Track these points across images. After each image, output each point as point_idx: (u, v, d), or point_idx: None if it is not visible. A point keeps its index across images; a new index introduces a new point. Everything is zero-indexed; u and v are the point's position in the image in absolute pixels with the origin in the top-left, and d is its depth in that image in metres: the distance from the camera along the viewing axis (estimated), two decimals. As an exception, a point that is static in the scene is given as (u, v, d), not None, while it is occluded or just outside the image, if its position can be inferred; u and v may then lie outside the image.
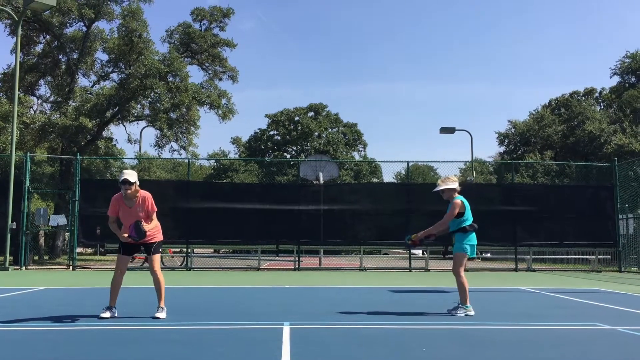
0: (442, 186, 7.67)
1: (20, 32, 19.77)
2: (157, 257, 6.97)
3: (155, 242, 6.96)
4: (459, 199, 7.56)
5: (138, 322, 6.56)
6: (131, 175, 6.82)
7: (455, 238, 7.51)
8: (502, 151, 48.51)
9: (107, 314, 6.78)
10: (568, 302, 9.59)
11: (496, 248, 22.23)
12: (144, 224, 6.72)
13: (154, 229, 6.93)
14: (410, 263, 19.23)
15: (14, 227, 17.53)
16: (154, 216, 6.98)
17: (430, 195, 19.62)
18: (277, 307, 8.39)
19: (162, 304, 6.98)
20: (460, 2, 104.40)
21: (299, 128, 57.55)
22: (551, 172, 36.65)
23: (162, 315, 6.85)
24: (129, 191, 6.78)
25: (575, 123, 42.59)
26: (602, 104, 47.36)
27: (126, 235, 6.76)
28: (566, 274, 18.12)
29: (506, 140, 47.72)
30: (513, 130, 47.05)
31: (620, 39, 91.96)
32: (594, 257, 20.43)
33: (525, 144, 45.60)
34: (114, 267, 7.14)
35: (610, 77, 48.08)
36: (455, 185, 7.63)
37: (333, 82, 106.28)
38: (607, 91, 47.04)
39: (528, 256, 19.91)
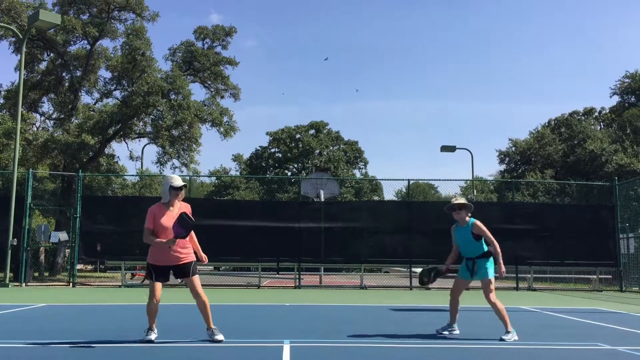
0: (459, 200, 7.37)
1: (24, 50, 19.95)
2: (197, 278, 6.46)
3: (192, 262, 6.46)
4: (476, 220, 7.26)
5: (135, 341, 6.54)
6: (181, 180, 6.52)
7: (478, 264, 7.16)
8: (502, 169, 48.61)
9: (152, 336, 6.38)
10: (569, 321, 9.56)
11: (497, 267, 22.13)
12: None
13: (188, 249, 6.48)
14: (410, 281, 19.16)
15: (15, 243, 17.52)
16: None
17: (431, 213, 19.81)
18: (278, 325, 8.37)
19: (212, 324, 6.57)
20: (460, 21, 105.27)
21: (300, 146, 57.68)
22: (552, 191, 36.65)
23: (220, 336, 6.45)
24: (180, 197, 6.50)
25: (576, 142, 42.71)
26: (602, 124, 47.51)
27: (170, 239, 6.19)
28: (567, 293, 18.05)
29: (507, 159, 47.83)
30: (514, 148, 47.18)
31: (620, 59, 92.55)
32: (594, 276, 20.36)
33: (525, 162, 45.69)
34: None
35: (610, 97, 48.31)
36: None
37: (334, 100, 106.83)
38: (607, 111, 47.23)
39: (529, 275, 19.84)
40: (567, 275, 24.43)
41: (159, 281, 6.32)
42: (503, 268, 7.17)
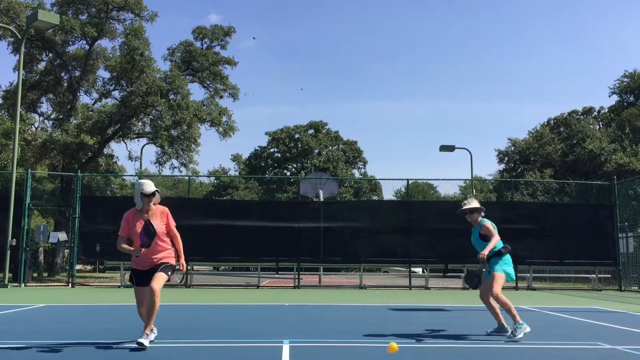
0: (470, 204, 7.38)
1: (23, 50, 19.92)
2: (163, 276, 6.11)
3: (167, 264, 6.21)
4: (486, 220, 7.32)
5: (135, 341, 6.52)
6: (153, 186, 6.24)
7: (491, 262, 7.13)
8: (502, 169, 48.63)
9: (145, 340, 5.99)
10: (568, 321, 9.56)
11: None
12: (157, 234, 6.10)
13: (167, 252, 6.25)
14: (410, 281, 19.17)
15: (14, 243, 17.50)
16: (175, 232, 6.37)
17: (431, 213, 19.81)
18: (277, 325, 8.36)
19: (150, 329, 6.13)
20: (459, 22, 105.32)
21: (299, 145, 57.67)
22: (551, 191, 36.67)
23: (147, 342, 5.96)
24: (152, 205, 6.24)
25: (575, 141, 42.74)
26: (600, 123, 47.56)
27: (136, 247, 6.10)
28: (566, 293, 18.06)
29: (506, 158, 47.86)
30: (513, 148, 47.21)
31: (619, 58, 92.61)
32: (594, 275, 20.38)
33: (525, 162, 45.71)
34: (132, 298, 6.34)
35: (609, 96, 48.34)
36: (479, 205, 7.42)
37: (333, 100, 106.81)
38: (606, 110, 47.26)
39: (528, 274, 19.85)
40: (566, 275, 24.46)
41: (140, 285, 6.19)
42: (484, 253, 7.11)
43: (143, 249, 6.07)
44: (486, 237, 7.18)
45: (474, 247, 7.41)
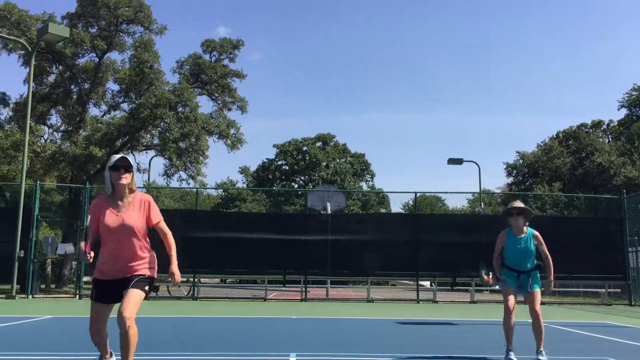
0: (519, 204, 6.55)
1: (33, 62, 20.12)
2: (137, 294, 4.31)
3: (140, 275, 4.39)
4: (534, 230, 6.59)
5: (144, 353, 6.50)
6: (127, 158, 4.47)
7: (532, 276, 6.45)
8: (510, 182, 48.41)
9: None
10: (578, 335, 9.46)
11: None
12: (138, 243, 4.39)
13: (144, 259, 4.45)
14: (417, 294, 19.06)
15: (22, 255, 17.56)
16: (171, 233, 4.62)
17: (438, 226, 19.68)
18: (284, 338, 8.32)
19: None
20: (467, 35, 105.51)
21: (307, 158, 57.75)
22: (560, 204, 36.48)
23: None
24: (123, 180, 4.40)
25: (584, 155, 42.56)
26: (610, 136, 47.37)
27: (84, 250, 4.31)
28: (575, 307, 17.89)
29: (514, 172, 47.67)
30: (521, 161, 47.05)
31: (628, 71, 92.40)
32: (603, 290, 20.18)
33: (533, 175, 45.52)
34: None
35: (618, 110, 48.13)
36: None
37: (341, 112, 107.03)
38: (615, 123, 47.08)
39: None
40: (575, 289, 24.24)
41: (101, 302, 4.47)
42: (552, 282, 6.65)
43: (91, 253, 4.30)
44: (535, 249, 6.52)
45: (513, 257, 6.49)
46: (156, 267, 4.54)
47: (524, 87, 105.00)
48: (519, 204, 6.55)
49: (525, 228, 6.51)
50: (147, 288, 4.41)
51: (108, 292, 4.41)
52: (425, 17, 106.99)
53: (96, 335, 4.52)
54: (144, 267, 4.43)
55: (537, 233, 6.55)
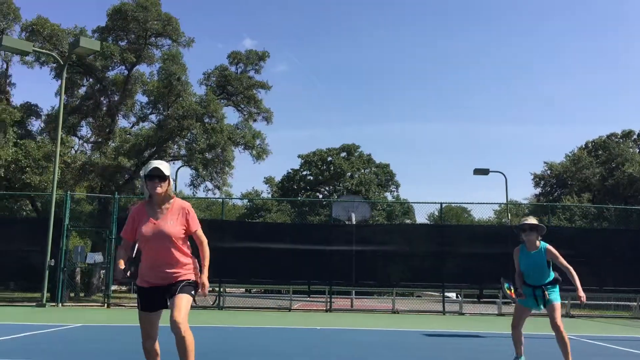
0: (532, 220, 6.61)
1: (65, 75, 20.58)
2: (186, 299, 4.35)
3: (185, 280, 4.43)
4: (547, 245, 6.61)
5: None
6: (164, 166, 4.46)
7: (550, 290, 6.55)
8: (537, 193, 47.77)
9: None
10: (609, 350, 9.28)
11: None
12: (178, 252, 4.41)
13: (186, 265, 4.47)
14: (444, 306, 18.88)
15: (52, 264, 17.88)
16: (203, 239, 4.61)
17: (464, 237, 19.51)
18: (308, 349, 8.32)
19: None
20: (492, 44, 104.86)
21: (332, 168, 57.77)
22: (589, 215, 35.86)
23: None
24: (158, 189, 4.42)
25: (614, 165, 41.81)
26: (640, 146, 46.49)
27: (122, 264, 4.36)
28: (606, 321, 17.53)
29: (542, 182, 47.04)
30: (549, 172, 46.42)
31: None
32: (635, 303, 19.74)
33: (562, 185, 44.87)
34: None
35: (649, 119, 47.20)
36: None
37: (366, 122, 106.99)
38: (646, 133, 46.22)
39: (566, 301, 19.34)
40: (606, 302, 23.75)
41: (146, 311, 4.46)
42: (582, 294, 6.52)
43: (129, 272, 4.32)
44: (550, 263, 6.62)
45: (527, 272, 6.61)
46: (199, 273, 4.56)
47: (552, 97, 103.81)
48: (531, 219, 6.58)
49: (538, 242, 6.54)
50: (193, 292, 4.46)
51: (153, 299, 4.44)
52: (450, 28, 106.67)
53: (148, 340, 4.50)
54: (188, 272, 4.47)
55: (550, 247, 6.56)
